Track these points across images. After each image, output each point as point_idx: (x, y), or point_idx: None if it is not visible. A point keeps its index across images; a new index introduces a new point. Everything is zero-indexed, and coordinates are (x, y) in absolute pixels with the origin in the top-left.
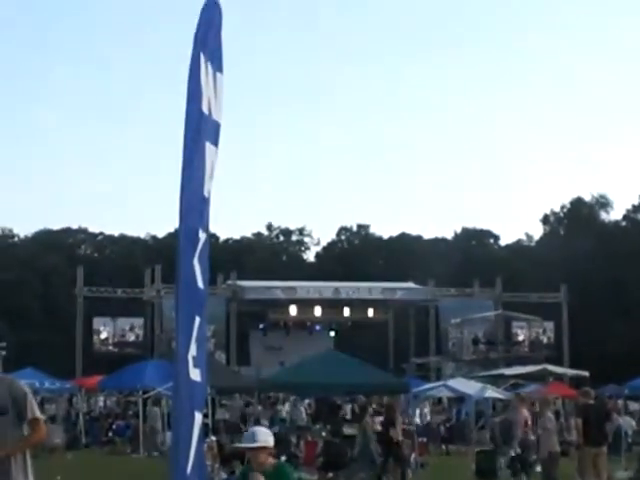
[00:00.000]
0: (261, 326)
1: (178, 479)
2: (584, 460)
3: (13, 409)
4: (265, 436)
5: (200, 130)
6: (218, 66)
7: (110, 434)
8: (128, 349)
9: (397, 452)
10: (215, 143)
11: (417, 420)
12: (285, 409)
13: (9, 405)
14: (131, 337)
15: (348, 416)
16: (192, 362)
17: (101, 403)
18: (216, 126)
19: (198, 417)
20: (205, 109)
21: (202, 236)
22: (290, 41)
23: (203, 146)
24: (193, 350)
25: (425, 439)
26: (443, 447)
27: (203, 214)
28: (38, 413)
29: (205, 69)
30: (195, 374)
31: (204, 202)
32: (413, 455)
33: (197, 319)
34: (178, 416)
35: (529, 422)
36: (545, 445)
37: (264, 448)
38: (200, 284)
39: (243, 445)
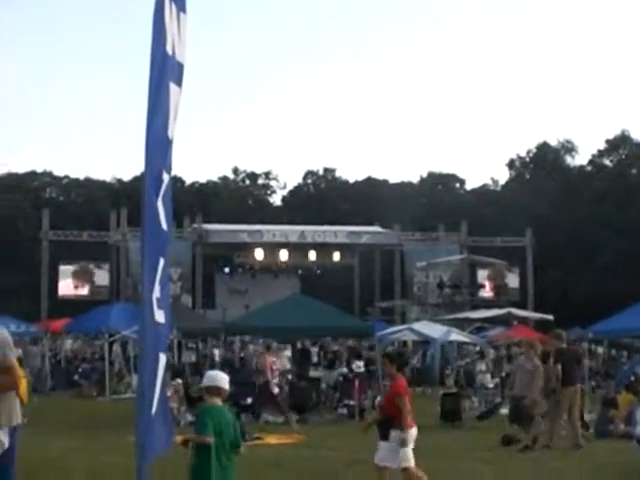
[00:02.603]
0: (227, 270)
1: (144, 420)
2: (564, 401)
3: None
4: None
5: (164, 71)
6: (181, 6)
7: (76, 377)
8: (93, 293)
9: None
10: (179, 84)
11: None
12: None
13: None
14: (97, 281)
15: (314, 359)
16: (156, 303)
17: (68, 346)
18: (180, 67)
19: (162, 359)
20: (169, 50)
21: (165, 177)
22: None
23: (167, 87)
24: (157, 291)
25: None
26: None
27: (167, 155)
28: (9, 360)
29: (169, 9)
30: (159, 315)
31: (168, 143)
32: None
33: (161, 260)
34: (143, 358)
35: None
36: (530, 389)
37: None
38: (164, 225)
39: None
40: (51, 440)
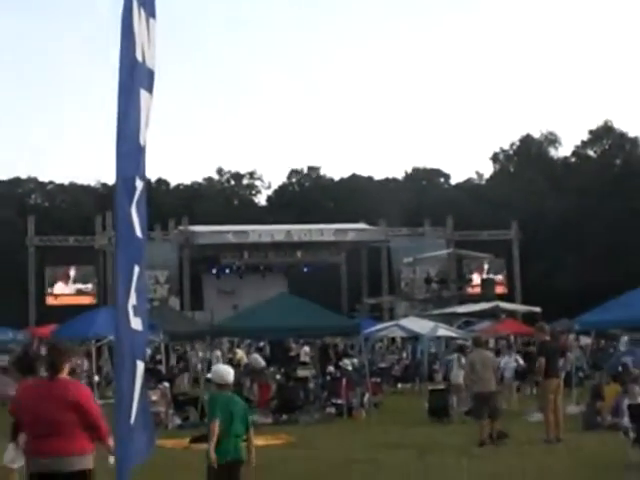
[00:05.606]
0: (214, 271)
1: (122, 429)
2: (546, 393)
3: None
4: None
5: (134, 77)
6: (151, 11)
7: None
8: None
9: None
10: (150, 90)
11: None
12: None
13: None
14: (84, 286)
15: (303, 358)
16: (132, 311)
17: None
18: (150, 73)
19: (140, 366)
20: (139, 56)
21: (139, 184)
22: None
23: (138, 93)
24: (133, 299)
25: (379, 379)
26: (399, 386)
27: (140, 162)
28: None
29: (138, 15)
30: (136, 323)
31: (140, 150)
32: (367, 395)
33: (136, 268)
34: (120, 366)
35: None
36: (475, 385)
37: None
38: (138, 233)
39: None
40: None
